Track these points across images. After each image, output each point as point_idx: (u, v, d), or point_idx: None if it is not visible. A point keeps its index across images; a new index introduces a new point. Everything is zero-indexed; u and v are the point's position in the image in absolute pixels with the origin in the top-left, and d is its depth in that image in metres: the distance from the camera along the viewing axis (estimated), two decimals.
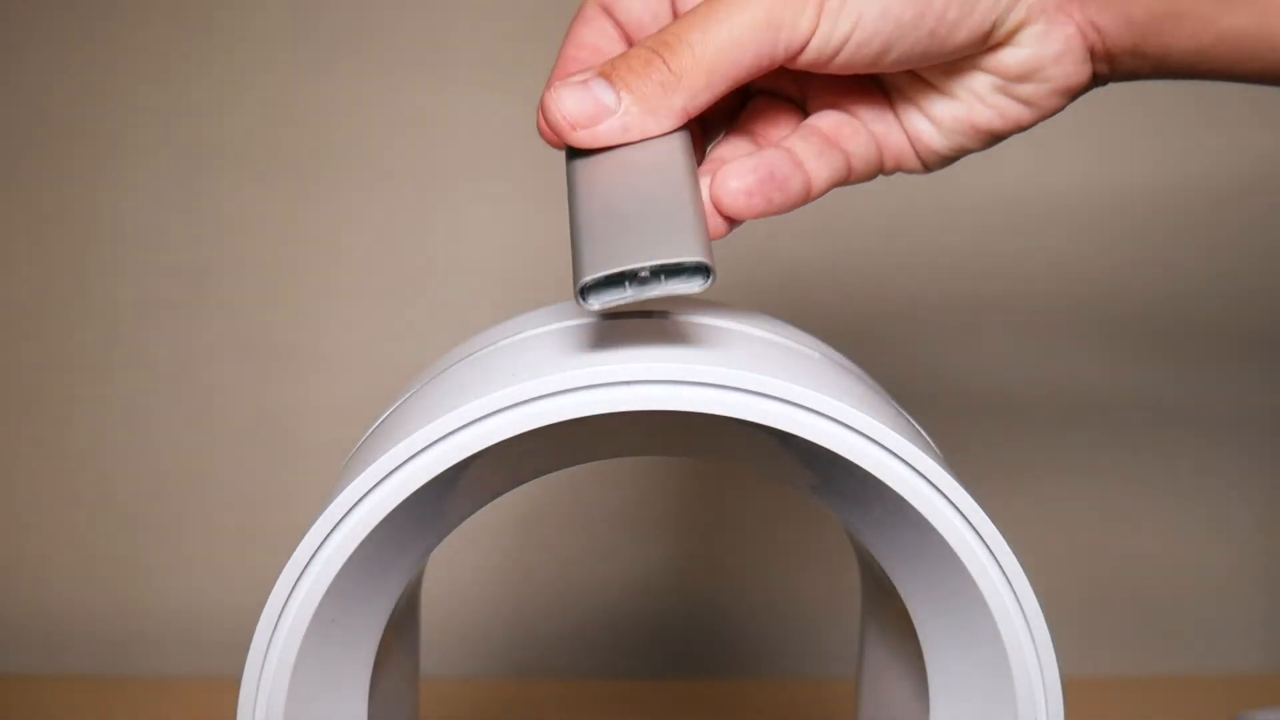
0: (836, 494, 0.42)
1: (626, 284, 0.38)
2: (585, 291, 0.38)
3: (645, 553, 0.81)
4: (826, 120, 0.45)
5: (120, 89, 0.76)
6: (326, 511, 0.40)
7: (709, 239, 0.39)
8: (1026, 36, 0.43)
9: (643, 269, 0.37)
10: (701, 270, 0.38)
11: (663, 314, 0.43)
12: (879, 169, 0.46)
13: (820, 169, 0.43)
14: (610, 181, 0.41)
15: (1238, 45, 0.42)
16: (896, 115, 0.46)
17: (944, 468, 0.41)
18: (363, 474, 0.40)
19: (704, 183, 0.42)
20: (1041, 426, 0.81)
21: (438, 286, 0.78)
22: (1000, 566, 0.41)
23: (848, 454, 0.40)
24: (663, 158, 0.41)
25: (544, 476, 0.43)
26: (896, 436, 0.40)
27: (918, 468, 0.40)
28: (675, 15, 0.45)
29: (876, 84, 0.46)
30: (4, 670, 0.78)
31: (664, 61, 0.41)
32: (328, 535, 0.40)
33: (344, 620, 0.41)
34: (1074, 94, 0.45)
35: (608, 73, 0.42)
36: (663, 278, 0.38)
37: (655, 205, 0.40)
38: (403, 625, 0.50)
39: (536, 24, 0.77)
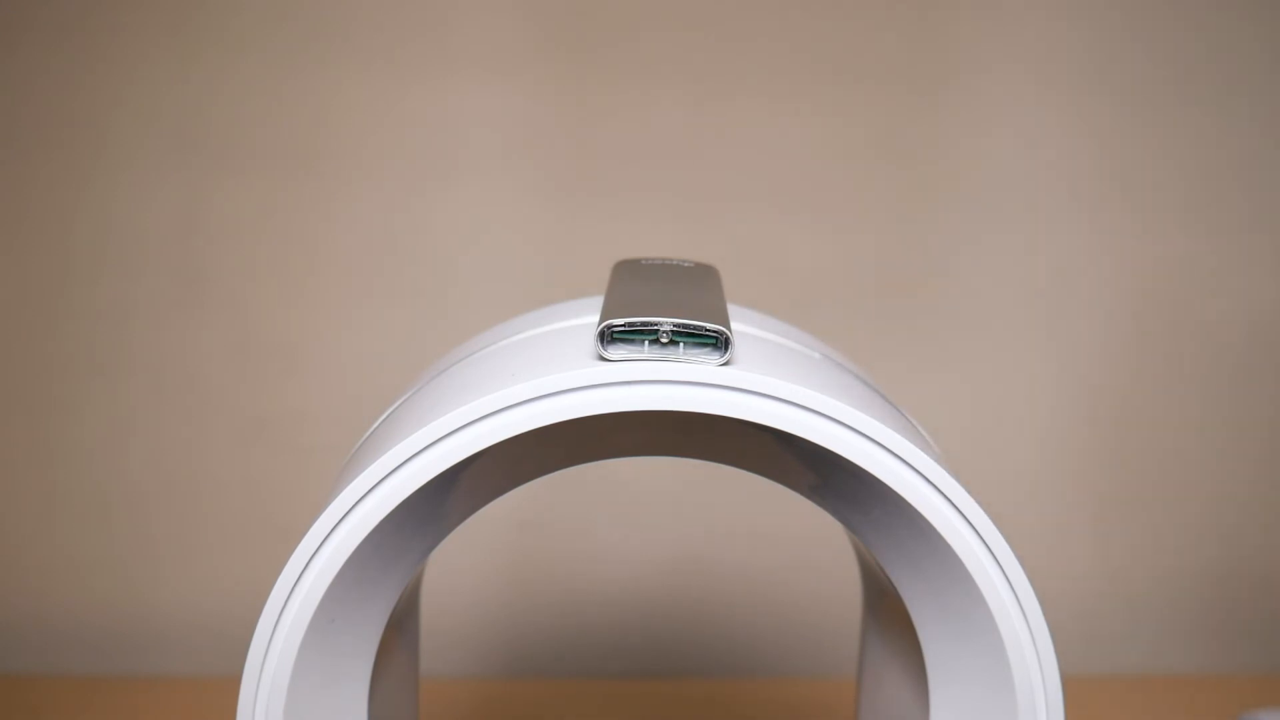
0: (836, 494, 0.42)
1: (646, 343, 0.40)
2: (606, 338, 0.40)
3: (645, 553, 0.81)
4: None
5: (117, 86, 0.76)
6: (326, 511, 0.40)
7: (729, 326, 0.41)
8: None
9: (664, 327, 0.40)
10: (721, 346, 0.40)
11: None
12: None
13: None
14: (650, 275, 0.46)
15: None
16: None
17: (944, 468, 0.41)
18: (363, 474, 0.40)
19: None
20: (1039, 426, 0.81)
21: (438, 287, 0.78)
22: (1000, 566, 0.41)
23: (848, 454, 0.40)
24: (700, 276, 0.46)
25: (544, 476, 0.43)
26: (896, 436, 0.40)
27: (918, 468, 0.40)
28: None
29: None
30: (4, 670, 0.78)
31: None
32: (328, 535, 0.40)
33: (344, 620, 0.41)
34: None
35: None
36: (681, 346, 0.40)
37: (687, 292, 0.43)
38: (403, 625, 0.50)
39: (540, 18, 0.77)
